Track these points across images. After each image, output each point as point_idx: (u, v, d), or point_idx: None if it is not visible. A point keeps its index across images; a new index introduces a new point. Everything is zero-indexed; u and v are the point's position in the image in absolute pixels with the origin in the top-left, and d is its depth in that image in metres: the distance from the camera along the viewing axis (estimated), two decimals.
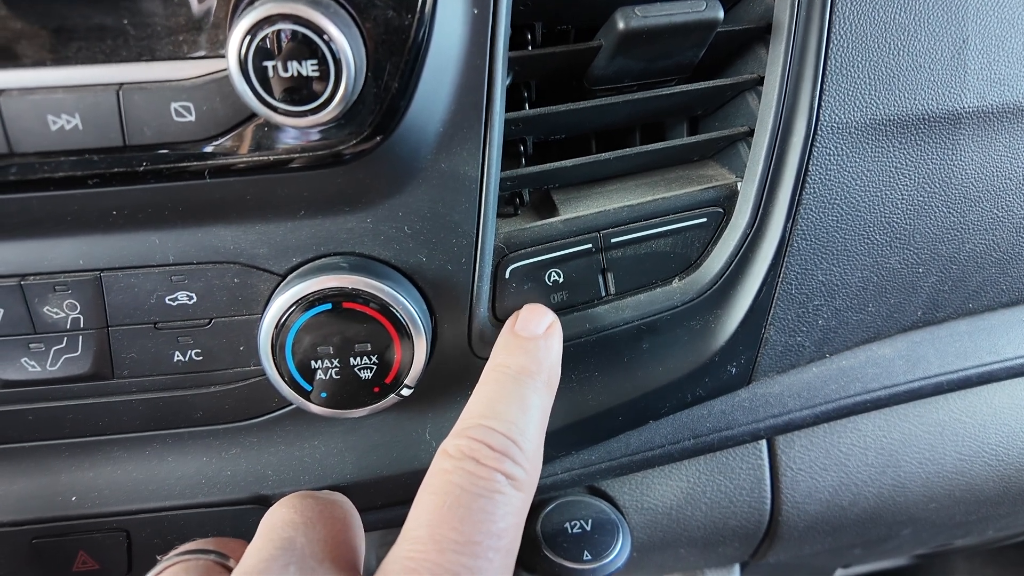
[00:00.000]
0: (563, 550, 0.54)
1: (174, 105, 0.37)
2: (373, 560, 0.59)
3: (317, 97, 0.35)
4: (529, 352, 0.42)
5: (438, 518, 0.35)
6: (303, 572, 0.35)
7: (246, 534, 0.43)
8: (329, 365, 0.42)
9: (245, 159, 0.39)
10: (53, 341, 0.43)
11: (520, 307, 0.47)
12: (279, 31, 0.34)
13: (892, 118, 0.49)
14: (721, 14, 0.45)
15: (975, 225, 0.54)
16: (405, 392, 0.44)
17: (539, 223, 0.48)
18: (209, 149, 0.38)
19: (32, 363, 0.44)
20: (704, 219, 0.50)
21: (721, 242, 0.50)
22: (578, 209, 0.50)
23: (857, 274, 0.53)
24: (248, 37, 0.34)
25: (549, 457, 0.53)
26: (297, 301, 0.41)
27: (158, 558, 0.38)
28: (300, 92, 0.35)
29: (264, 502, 0.48)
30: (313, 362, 0.42)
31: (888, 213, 0.51)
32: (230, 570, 0.39)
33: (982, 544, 0.99)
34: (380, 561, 0.35)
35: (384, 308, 0.42)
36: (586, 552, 0.54)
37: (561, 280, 0.48)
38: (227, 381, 0.46)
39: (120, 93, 0.37)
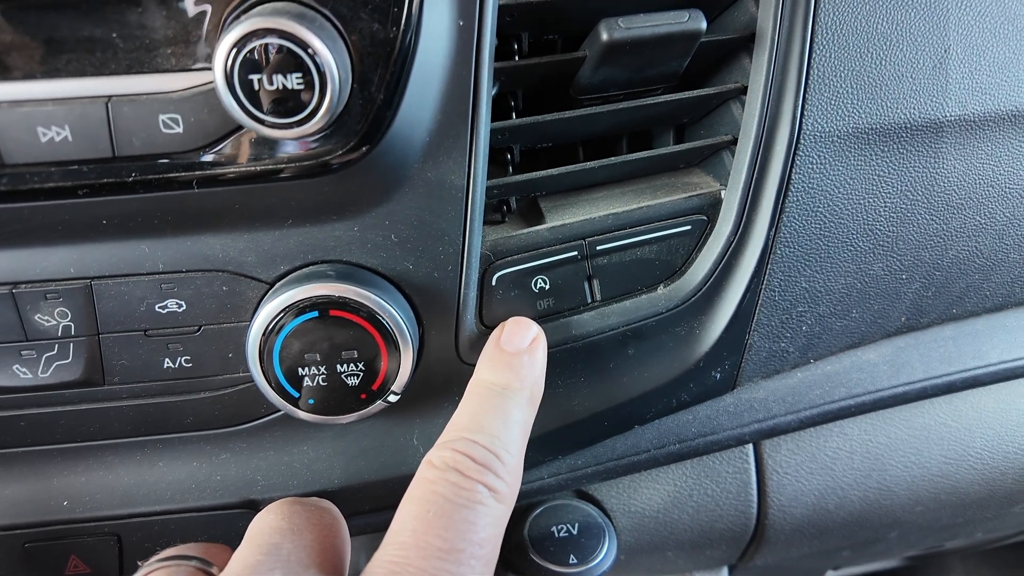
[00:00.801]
0: (550, 554, 0.55)
1: (162, 117, 0.38)
2: (362, 563, 0.60)
3: (303, 109, 0.36)
4: (513, 368, 0.43)
5: (423, 525, 0.35)
6: None
7: (235, 538, 0.43)
8: (316, 372, 0.43)
9: (233, 169, 0.39)
10: (44, 348, 0.44)
11: (507, 314, 0.48)
12: (265, 45, 0.34)
13: (874, 126, 0.49)
14: (704, 25, 0.46)
15: (958, 232, 0.55)
16: (392, 399, 0.44)
17: (525, 231, 0.49)
18: (197, 160, 0.39)
19: (24, 370, 0.44)
20: (688, 227, 0.51)
21: (705, 249, 0.51)
22: (564, 217, 0.50)
23: (840, 280, 0.53)
24: (234, 51, 0.34)
25: (536, 462, 0.53)
26: (285, 309, 0.42)
27: (139, 564, 0.39)
28: (286, 104, 0.36)
29: (253, 507, 0.49)
30: (301, 369, 0.43)
31: (871, 220, 0.52)
32: None
33: (974, 546, 1.00)
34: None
35: (371, 316, 0.42)
36: (572, 556, 0.55)
37: (547, 287, 0.49)
38: (216, 387, 0.47)
39: (109, 105, 0.37)
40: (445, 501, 0.36)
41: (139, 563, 0.39)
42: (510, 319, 0.46)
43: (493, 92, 0.45)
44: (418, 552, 0.34)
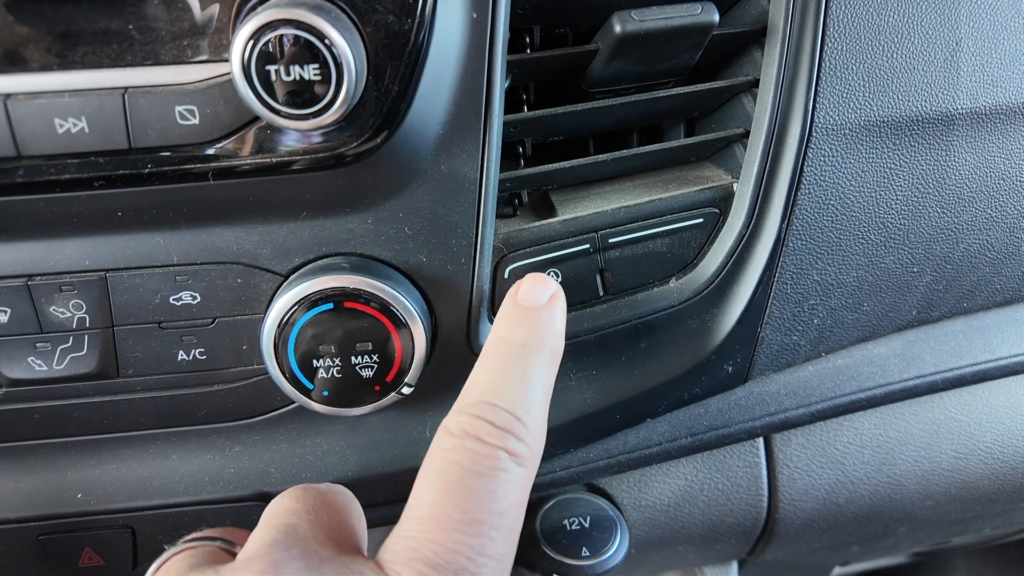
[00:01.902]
0: (562, 547, 0.55)
1: (178, 108, 0.38)
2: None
3: (319, 100, 0.36)
4: (532, 323, 0.41)
5: (440, 498, 0.34)
6: (306, 554, 0.35)
7: (249, 530, 0.43)
8: (331, 364, 0.43)
9: (248, 161, 0.39)
10: (59, 340, 0.44)
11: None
12: (281, 36, 0.34)
13: (886, 119, 0.49)
14: (716, 17, 0.46)
15: (969, 225, 0.55)
16: (406, 391, 0.44)
17: (538, 224, 0.49)
18: (213, 151, 0.39)
19: (39, 362, 0.44)
20: (700, 219, 0.51)
21: (717, 242, 0.51)
22: (576, 210, 0.50)
23: (852, 274, 0.53)
24: (251, 42, 0.34)
25: (548, 455, 0.53)
26: (299, 301, 0.42)
27: (165, 547, 0.39)
28: (302, 95, 0.36)
29: (266, 499, 0.49)
30: (315, 361, 0.43)
31: (883, 213, 0.52)
32: (236, 556, 0.40)
33: (980, 542, 1.00)
34: None
35: (385, 307, 0.42)
36: (584, 549, 0.55)
37: (559, 280, 0.49)
38: (230, 380, 0.47)
39: (125, 97, 0.37)
40: (464, 470, 0.35)
41: (165, 546, 0.39)
42: (527, 275, 0.44)
43: (506, 85, 0.45)
44: (436, 526, 0.33)
